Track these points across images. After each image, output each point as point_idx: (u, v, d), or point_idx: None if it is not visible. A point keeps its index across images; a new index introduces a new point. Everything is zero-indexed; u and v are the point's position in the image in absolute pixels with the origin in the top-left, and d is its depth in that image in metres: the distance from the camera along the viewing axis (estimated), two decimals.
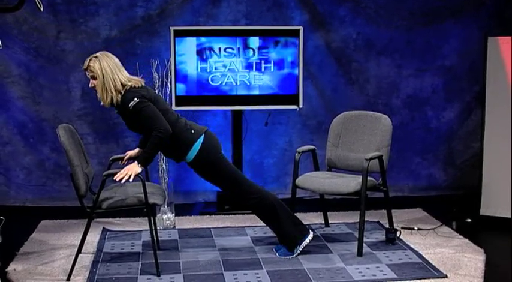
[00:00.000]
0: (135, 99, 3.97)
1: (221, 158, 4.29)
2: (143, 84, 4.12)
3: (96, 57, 4.02)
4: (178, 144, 4.16)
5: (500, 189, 5.20)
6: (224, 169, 4.29)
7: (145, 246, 4.64)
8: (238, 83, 5.53)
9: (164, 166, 5.28)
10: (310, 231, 4.46)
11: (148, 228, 4.10)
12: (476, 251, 4.50)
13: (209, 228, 5.12)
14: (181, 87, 5.45)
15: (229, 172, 4.32)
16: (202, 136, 4.20)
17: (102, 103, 4.10)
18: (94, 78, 4.01)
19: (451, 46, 6.16)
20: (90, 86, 4.07)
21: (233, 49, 5.49)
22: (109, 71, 3.99)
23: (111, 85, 3.98)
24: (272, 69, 5.54)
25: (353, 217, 5.26)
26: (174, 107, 5.25)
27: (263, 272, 4.09)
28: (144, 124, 4.02)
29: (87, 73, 4.05)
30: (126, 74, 4.08)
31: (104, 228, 5.10)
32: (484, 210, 5.32)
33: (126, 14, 5.80)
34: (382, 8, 6.04)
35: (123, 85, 4.01)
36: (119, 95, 4.00)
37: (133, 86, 4.03)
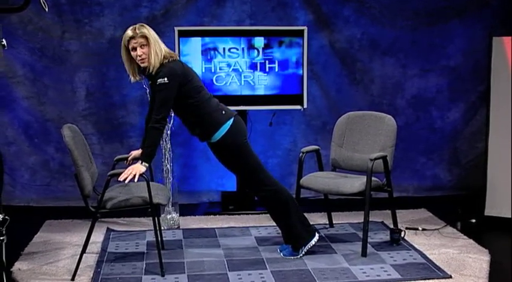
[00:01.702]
0: (166, 79, 3.96)
1: (245, 144, 4.26)
2: (178, 58, 4.15)
3: (141, 25, 4.03)
4: (207, 122, 4.16)
5: (505, 189, 5.18)
6: (245, 156, 4.26)
7: (149, 246, 4.65)
8: (242, 83, 5.53)
9: (168, 166, 5.29)
10: (316, 233, 4.46)
11: (153, 228, 4.11)
12: (480, 252, 4.49)
13: (213, 228, 5.12)
14: None
15: (250, 160, 4.27)
16: (232, 119, 4.19)
17: (135, 78, 4.12)
18: (143, 46, 3.98)
19: (455, 46, 6.15)
20: (138, 54, 3.98)
21: (237, 49, 5.49)
22: (156, 38, 4.03)
23: (160, 52, 4.00)
24: (276, 69, 5.54)
25: (357, 217, 5.26)
26: None
27: (267, 272, 4.09)
28: (155, 102, 4.04)
29: (133, 42, 3.98)
30: (164, 45, 4.10)
31: (108, 228, 5.11)
32: (489, 211, 5.31)
33: (130, 14, 5.80)
34: (386, 8, 6.03)
35: (164, 56, 4.02)
36: (159, 65, 4.01)
37: (171, 60, 4.03)
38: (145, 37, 3.97)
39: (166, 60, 4.02)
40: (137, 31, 3.98)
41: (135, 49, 4.00)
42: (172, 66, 4.02)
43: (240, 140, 4.22)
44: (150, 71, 4.01)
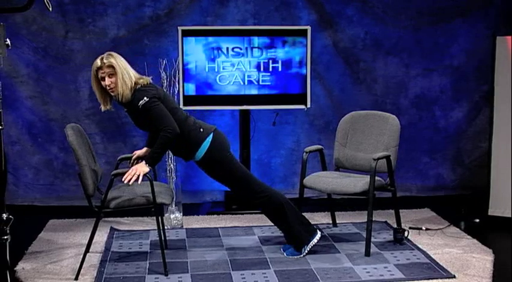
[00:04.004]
0: (145, 98, 3.97)
1: (230, 157, 4.29)
2: (151, 81, 4.13)
3: (109, 54, 4.02)
4: (187, 143, 4.16)
5: (509, 189, 5.17)
6: (232, 168, 4.29)
7: (153, 245, 4.65)
8: (246, 83, 5.53)
9: (172, 166, 5.29)
10: (317, 231, 4.46)
11: (156, 228, 4.11)
12: (484, 251, 4.49)
13: (217, 228, 5.13)
14: (189, 87, 5.46)
15: (237, 171, 4.31)
16: (211, 135, 4.20)
17: (105, 107, 4.12)
18: (111, 75, 3.98)
19: (459, 46, 6.14)
20: (107, 84, 3.98)
21: (241, 49, 5.49)
22: (124, 66, 4.01)
23: (128, 81, 3.98)
24: (280, 69, 5.53)
25: (361, 217, 5.26)
26: (182, 107, 5.25)
27: (270, 271, 4.09)
28: (153, 123, 4.03)
29: (101, 72, 3.99)
30: (135, 72, 4.10)
31: (111, 227, 5.12)
32: (493, 211, 5.31)
33: (134, 13, 5.81)
34: (389, 7, 6.03)
35: (135, 83, 4.02)
36: (130, 93, 4.00)
37: (143, 84, 4.04)
38: (112, 67, 3.97)
39: (139, 86, 4.02)
40: (104, 61, 3.98)
41: (103, 79, 4.00)
42: (145, 88, 4.02)
43: (223, 153, 4.25)
44: (120, 99, 4.02)
